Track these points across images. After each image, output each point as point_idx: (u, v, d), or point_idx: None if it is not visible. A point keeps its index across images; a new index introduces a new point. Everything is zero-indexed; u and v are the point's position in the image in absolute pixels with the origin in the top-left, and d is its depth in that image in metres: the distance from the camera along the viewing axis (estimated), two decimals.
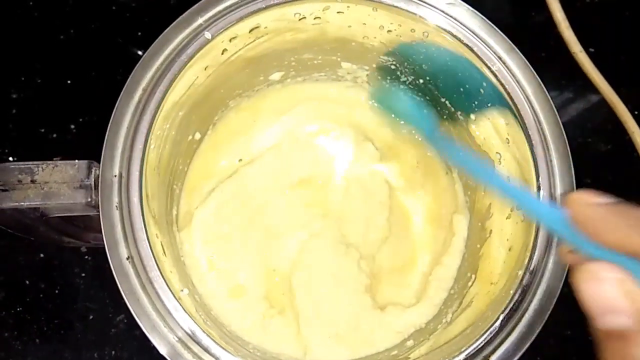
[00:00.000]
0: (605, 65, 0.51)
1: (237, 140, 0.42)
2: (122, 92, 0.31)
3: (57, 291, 0.43)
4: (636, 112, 0.50)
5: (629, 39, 0.53)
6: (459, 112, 0.37)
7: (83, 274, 0.43)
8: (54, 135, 0.46)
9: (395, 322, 0.38)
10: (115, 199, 0.29)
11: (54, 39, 0.49)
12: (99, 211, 0.29)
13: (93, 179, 0.29)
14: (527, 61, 0.32)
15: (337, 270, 0.39)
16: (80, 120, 0.46)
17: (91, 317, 0.42)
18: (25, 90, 0.47)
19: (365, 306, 0.38)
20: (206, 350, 0.29)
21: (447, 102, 0.38)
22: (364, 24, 0.35)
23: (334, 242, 0.40)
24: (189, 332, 0.28)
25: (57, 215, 0.32)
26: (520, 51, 0.33)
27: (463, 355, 0.29)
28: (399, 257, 0.41)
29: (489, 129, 0.35)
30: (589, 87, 0.51)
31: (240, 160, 0.42)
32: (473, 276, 0.36)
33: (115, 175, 0.30)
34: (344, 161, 0.43)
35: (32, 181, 0.29)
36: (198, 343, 0.29)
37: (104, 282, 0.42)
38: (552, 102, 0.32)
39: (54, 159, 0.38)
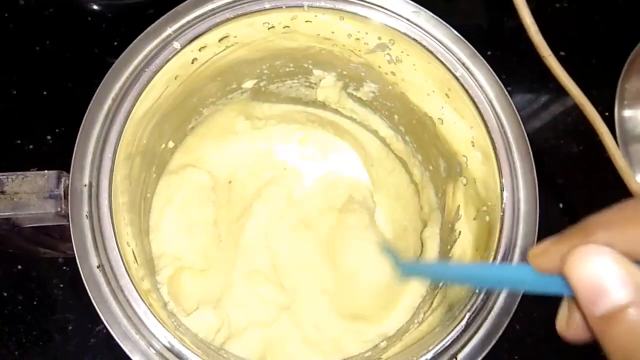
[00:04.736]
0: (576, 68, 0.51)
1: (211, 147, 0.42)
2: (91, 102, 0.31)
3: (35, 302, 0.43)
4: (606, 114, 0.51)
5: (599, 42, 0.54)
6: (427, 118, 0.38)
7: (61, 285, 0.43)
8: (31, 147, 0.46)
9: (366, 333, 0.38)
10: (85, 208, 0.30)
11: (29, 50, 0.49)
12: (69, 220, 0.30)
13: (63, 189, 0.30)
14: (489, 66, 0.33)
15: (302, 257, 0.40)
16: (57, 131, 0.46)
17: (70, 327, 0.42)
18: (1, 101, 0.47)
19: (333, 314, 0.39)
20: (178, 356, 0.29)
21: (415, 107, 0.39)
22: (332, 32, 0.36)
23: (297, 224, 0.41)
24: (161, 339, 0.29)
25: (29, 225, 0.32)
26: (493, 56, 0.33)
27: (431, 354, 0.29)
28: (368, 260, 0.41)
29: (456, 133, 0.36)
30: (561, 90, 0.52)
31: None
32: None
33: (85, 185, 0.30)
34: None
35: (2, 192, 0.29)
36: (170, 350, 0.29)
37: (82, 292, 0.42)
38: (514, 106, 0.32)
39: (31, 170, 0.37)
